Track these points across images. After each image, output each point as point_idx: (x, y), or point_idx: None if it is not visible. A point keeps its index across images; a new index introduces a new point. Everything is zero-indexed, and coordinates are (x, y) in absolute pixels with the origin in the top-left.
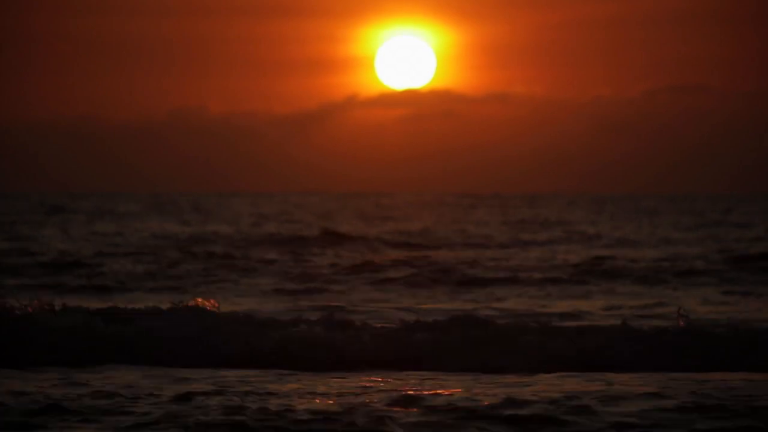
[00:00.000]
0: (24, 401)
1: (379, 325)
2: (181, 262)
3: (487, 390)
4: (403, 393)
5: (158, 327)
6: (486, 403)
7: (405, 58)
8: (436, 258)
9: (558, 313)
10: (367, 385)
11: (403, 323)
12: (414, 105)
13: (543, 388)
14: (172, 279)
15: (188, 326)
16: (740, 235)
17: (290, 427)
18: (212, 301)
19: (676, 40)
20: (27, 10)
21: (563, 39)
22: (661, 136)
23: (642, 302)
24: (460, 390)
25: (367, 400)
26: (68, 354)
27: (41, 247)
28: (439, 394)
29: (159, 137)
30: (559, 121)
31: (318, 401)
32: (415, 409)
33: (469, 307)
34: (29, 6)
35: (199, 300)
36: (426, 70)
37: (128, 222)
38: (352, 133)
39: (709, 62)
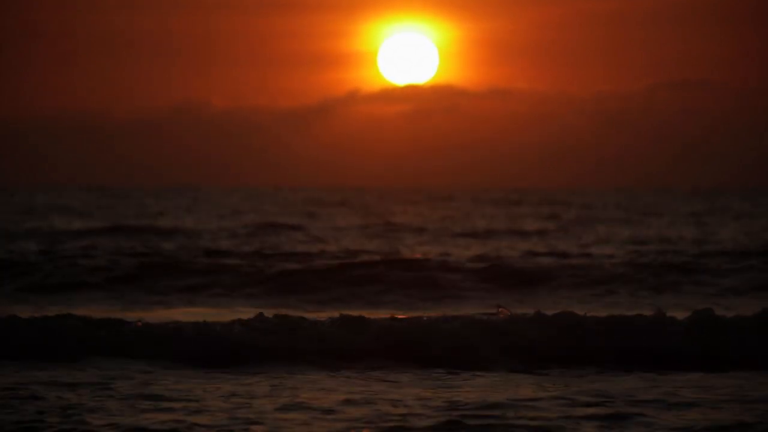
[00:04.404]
0: None
1: None
2: None
3: None
4: None
5: None
6: None
7: (407, 54)
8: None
9: None
10: None
11: None
12: (416, 100)
13: None
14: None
15: None
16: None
17: None
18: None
19: (677, 37)
20: (31, 6)
21: (565, 35)
22: (662, 132)
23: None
24: None
25: None
26: None
27: None
28: None
29: (162, 132)
30: (560, 116)
31: None
32: None
33: None
34: (33, 3)
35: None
36: (428, 66)
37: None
38: (354, 128)
39: (710, 59)
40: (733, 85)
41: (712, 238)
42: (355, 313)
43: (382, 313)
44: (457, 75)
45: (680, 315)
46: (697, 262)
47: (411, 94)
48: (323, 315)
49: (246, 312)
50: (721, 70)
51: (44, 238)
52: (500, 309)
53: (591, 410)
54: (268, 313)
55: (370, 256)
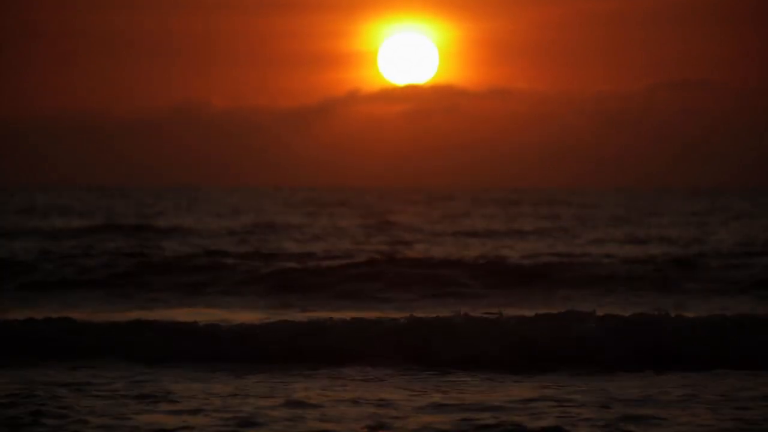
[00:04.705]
0: None
1: None
2: None
3: None
4: None
5: None
6: None
7: (407, 54)
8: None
9: None
10: None
11: None
12: (416, 100)
13: None
14: None
15: None
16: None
17: None
18: None
19: (677, 37)
20: (31, 6)
21: (565, 35)
22: (662, 132)
23: None
24: None
25: None
26: None
27: None
28: None
29: (162, 132)
30: (560, 116)
31: None
32: None
33: None
34: (33, 3)
35: None
36: (428, 66)
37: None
38: (354, 128)
39: (710, 58)
40: (733, 85)
41: (712, 238)
42: (354, 313)
43: (382, 313)
44: (457, 75)
45: (681, 314)
46: (697, 262)
47: (411, 94)
48: (322, 314)
49: (244, 311)
50: (721, 70)
51: (43, 238)
52: (499, 311)
53: (589, 411)
54: (267, 312)
55: (369, 255)
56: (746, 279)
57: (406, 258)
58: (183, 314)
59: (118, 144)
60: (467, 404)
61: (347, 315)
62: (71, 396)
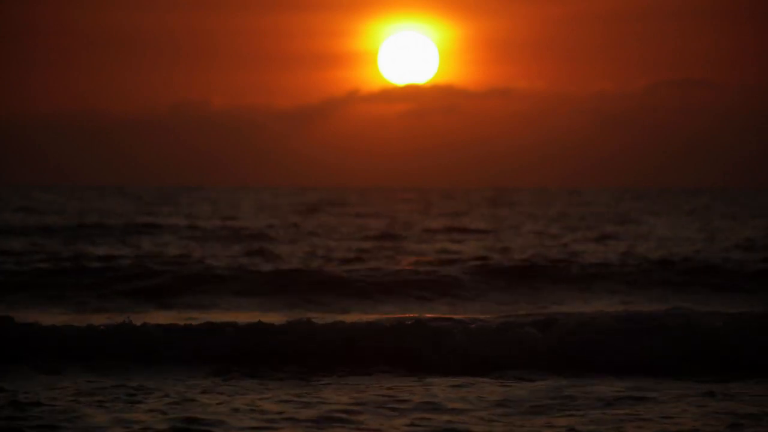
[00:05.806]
0: None
1: None
2: None
3: None
4: None
5: None
6: None
7: (407, 54)
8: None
9: None
10: None
11: None
12: (416, 100)
13: None
14: None
15: None
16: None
17: None
18: None
19: (678, 35)
20: (31, 2)
21: (565, 33)
22: (663, 130)
23: None
24: None
25: None
26: None
27: None
28: None
29: (161, 131)
30: (561, 115)
31: None
32: None
33: None
34: (33, 1)
35: None
36: (428, 66)
37: None
38: (353, 128)
39: (710, 56)
40: (733, 84)
41: (713, 237)
42: (346, 315)
43: (378, 315)
44: (457, 74)
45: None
46: (698, 260)
47: (411, 94)
48: (316, 316)
49: (232, 312)
50: (722, 69)
51: (35, 237)
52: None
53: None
54: (256, 314)
55: (368, 256)
56: (746, 277)
57: (405, 259)
58: (168, 316)
59: (118, 144)
60: (421, 405)
61: (338, 317)
62: (49, 403)
